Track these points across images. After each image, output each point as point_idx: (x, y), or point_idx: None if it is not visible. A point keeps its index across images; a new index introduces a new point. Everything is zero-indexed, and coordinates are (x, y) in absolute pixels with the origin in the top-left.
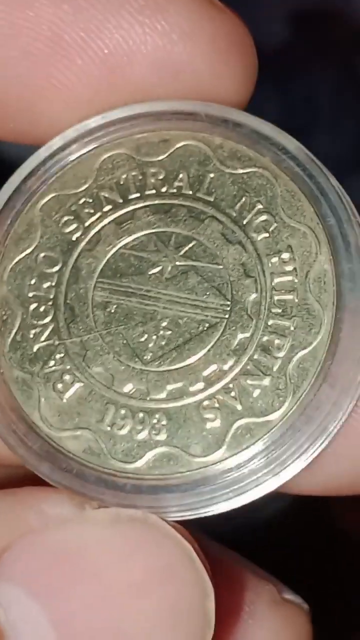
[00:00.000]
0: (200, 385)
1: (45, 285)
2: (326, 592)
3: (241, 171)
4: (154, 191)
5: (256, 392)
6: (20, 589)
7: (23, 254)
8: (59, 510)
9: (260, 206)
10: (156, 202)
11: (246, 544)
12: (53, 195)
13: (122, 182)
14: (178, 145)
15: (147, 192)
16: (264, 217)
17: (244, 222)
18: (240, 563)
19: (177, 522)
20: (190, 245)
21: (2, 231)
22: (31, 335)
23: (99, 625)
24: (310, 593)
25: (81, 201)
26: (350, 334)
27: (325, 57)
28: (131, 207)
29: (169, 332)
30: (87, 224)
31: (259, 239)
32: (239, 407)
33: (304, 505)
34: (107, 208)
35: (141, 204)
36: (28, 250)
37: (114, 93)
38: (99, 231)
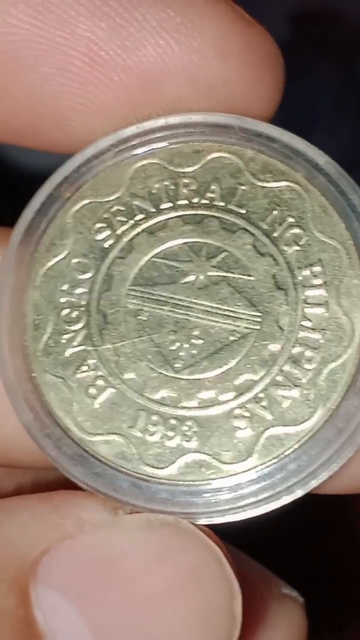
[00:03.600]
0: (231, 394)
1: (78, 291)
2: (319, 586)
3: (273, 185)
4: (186, 202)
5: (286, 403)
6: (58, 594)
7: (55, 260)
8: (93, 516)
9: (291, 220)
10: (188, 212)
11: (238, 540)
12: (85, 202)
13: (154, 192)
14: (210, 157)
15: (179, 203)
16: (295, 231)
17: (275, 235)
18: (244, 561)
19: (206, 526)
20: (222, 256)
21: (35, 237)
22: (63, 341)
23: (134, 628)
24: (303, 587)
25: (113, 209)
26: None
27: (325, 57)
28: (163, 217)
29: (200, 341)
30: (119, 232)
31: (289, 252)
32: (269, 417)
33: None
34: (139, 217)
35: (173, 214)
36: (60, 256)
37: (149, 108)
38: (131, 240)
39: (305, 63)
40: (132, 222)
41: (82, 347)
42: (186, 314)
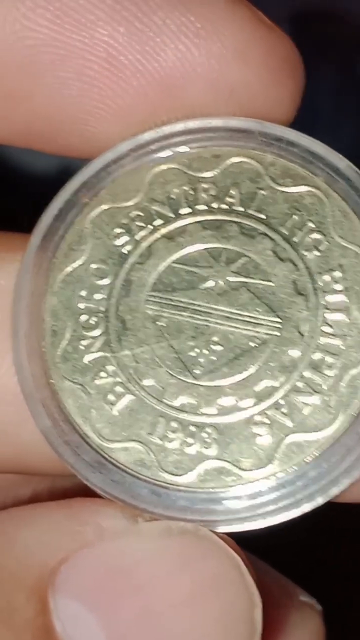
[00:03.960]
0: (251, 400)
1: (96, 297)
2: (334, 592)
3: (293, 189)
4: (205, 207)
5: (307, 409)
6: (77, 602)
7: (73, 266)
8: (112, 523)
9: (311, 225)
10: (207, 217)
11: (255, 546)
12: (104, 207)
13: (173, 197)
14: (230, 162)
15: (199, 208)
16: (315, 236)
17: (295, 240)
18: (262, 569)
19: (225, 534)
20: (241, 261)
21: (53, 243)
22: (82, 347)
23: (154, 638)
24: (318, 593)
25: (132, 214)
26: None
27: (325, 57)
28: (182, 222)
29: (220, 347)
30: (138, 237)
31: (310, 257)
32: (290, 424)
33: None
34: (158, 222)
35: (192, 220)
36: (78, 262)
37: (168, 113)
38: (150, 245)
39: (305, 63)
40: (150, 227)
41: (101, 354)
42: (205, 320)
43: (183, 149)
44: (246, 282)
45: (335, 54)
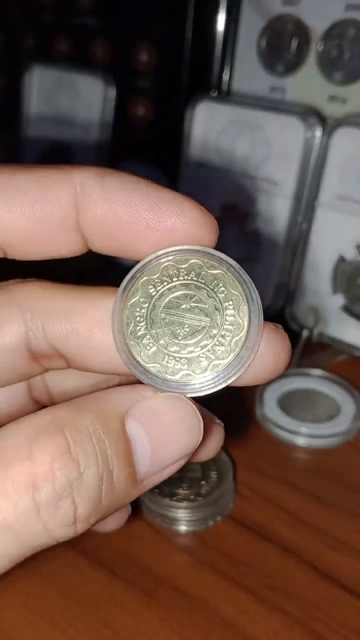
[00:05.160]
0: (199, 348)
1: (142, 312)
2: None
3: (214, 271)
4: (182, 279)
5: (219, 350)
6: (137, 423)
7: (133, 300)
8: (148, 393)
9: (221, 287)
10: (182, 282)
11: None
12: (145, 278)
13: (171, 273)
14: (190, 262)
15: (180, 279)
16: (222, 288)
17: (215, 290)
18: (203, 410)
19: (191, 398)
20: (195, 298)
21: (126, 291)
22: (137, 329)
23: (164, 436)
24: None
25: (156, 281)
26: (255, 331)
27: (232, 220)
28: (174, 284)
29: (188, 329)
30: (158, 289)
31: (220, 296)
32: (213, 357)
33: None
34: (165, 284)
35: (177, 283)
36: (135, 298)
37: (167, 245)
38: (162, 292)
39: (222, 223)
40: (161, 286)
41: (144, 331)
42: (183, 319)
43: (172, 257)
44: (197, 306)
45: (238, 217)
